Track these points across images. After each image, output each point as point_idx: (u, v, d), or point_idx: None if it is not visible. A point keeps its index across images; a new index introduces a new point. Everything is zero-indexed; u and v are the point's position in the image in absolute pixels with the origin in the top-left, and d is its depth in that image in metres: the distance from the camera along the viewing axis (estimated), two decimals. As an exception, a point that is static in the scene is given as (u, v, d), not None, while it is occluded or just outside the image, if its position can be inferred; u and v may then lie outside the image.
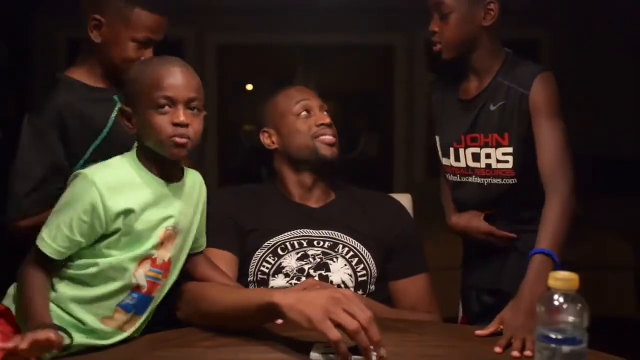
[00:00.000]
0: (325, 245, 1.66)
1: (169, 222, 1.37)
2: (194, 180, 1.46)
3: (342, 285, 1.60)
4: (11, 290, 1.41)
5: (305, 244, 1.66)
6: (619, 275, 4.05)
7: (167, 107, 1.31)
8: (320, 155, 1.70)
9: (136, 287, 1.35)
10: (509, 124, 1.71)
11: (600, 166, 5.02)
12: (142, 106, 1.32)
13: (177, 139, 1.31)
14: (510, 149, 1.72)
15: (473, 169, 1.79)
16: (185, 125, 1.31)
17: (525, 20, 5.32)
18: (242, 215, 1.66)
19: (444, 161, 1.86)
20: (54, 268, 1.31)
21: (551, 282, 0.98)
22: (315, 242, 1.66)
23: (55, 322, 1.28)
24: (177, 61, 1.36)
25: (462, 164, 1.81)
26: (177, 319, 1.48)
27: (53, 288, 1.32)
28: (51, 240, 1.28)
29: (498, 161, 1.73)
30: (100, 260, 1.31)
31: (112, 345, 1.34)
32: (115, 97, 1.73)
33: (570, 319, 0.96)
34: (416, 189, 2.55)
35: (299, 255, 1.64)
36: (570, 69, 5.35)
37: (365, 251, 1.67)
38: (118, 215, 1.29)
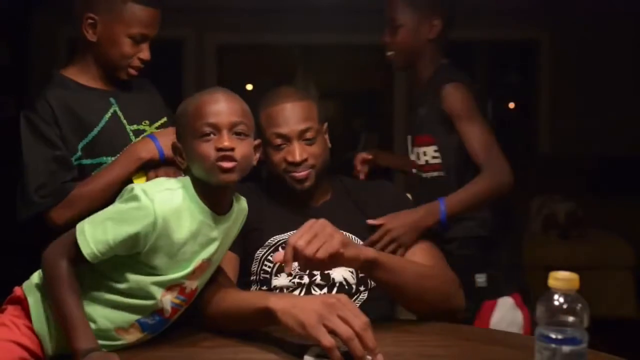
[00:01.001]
0: (326, 243, 1.65)
1: (207, 255, 1.34)
2: (240, 209, 1.44)
3: (344, 282, 1.60)
4: (35, 277, 1.36)
5: (306, 242, 1.65)
6: (619, 275, 4.05)
7: (211, 135, 1.29)
8: (293, 188, 1.67)
9: (160, 310, 1.33)
10: (432, 127, 1.96)
11: (601, 166, 5.03)
12: (188, 138, 1.31)
13: (223, 164, 1.28)
14: (436, 147, 1.97)
15: (419, 164, 2.05)
16: (230, 150, 1.29)
17: (525, 20, 5.34)
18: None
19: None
20: (83, 265, 1.25)
21: (551, 282, 0.98)
22: (316, 240, 1.65)
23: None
24: (219, 89, 1.36)
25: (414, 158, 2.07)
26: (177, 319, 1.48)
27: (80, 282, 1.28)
28: (93, 243, 1.22)
29: (433, 157, 1.98)
30: (132, 277, 1.28)
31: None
32: (112, 99, 1.72)
33: (571, 319, 0.96)
34: (416, 188, 2.55)
35: (301, 253, 1.63)
36: (570, 69, 5.38)
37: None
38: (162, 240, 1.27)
